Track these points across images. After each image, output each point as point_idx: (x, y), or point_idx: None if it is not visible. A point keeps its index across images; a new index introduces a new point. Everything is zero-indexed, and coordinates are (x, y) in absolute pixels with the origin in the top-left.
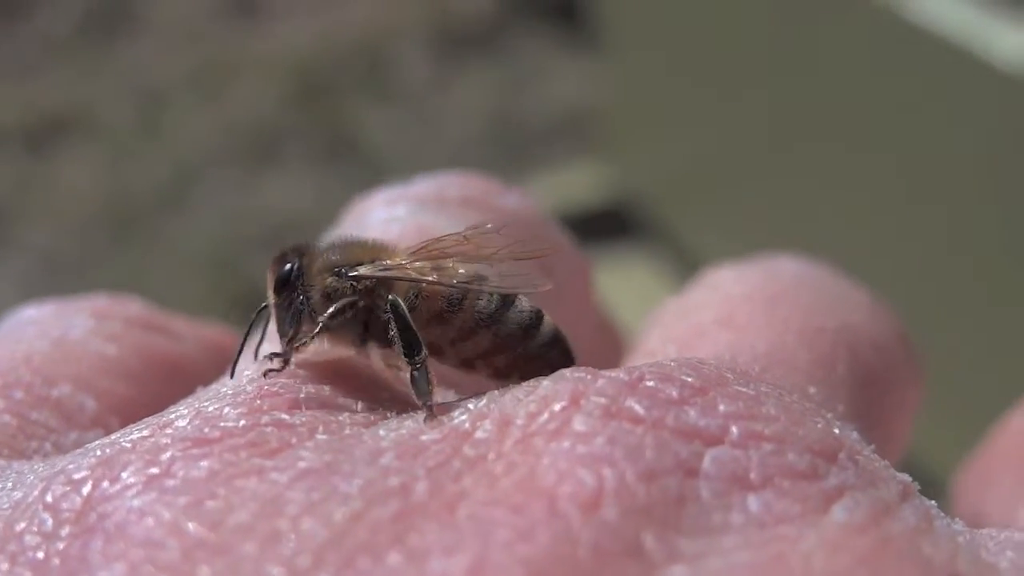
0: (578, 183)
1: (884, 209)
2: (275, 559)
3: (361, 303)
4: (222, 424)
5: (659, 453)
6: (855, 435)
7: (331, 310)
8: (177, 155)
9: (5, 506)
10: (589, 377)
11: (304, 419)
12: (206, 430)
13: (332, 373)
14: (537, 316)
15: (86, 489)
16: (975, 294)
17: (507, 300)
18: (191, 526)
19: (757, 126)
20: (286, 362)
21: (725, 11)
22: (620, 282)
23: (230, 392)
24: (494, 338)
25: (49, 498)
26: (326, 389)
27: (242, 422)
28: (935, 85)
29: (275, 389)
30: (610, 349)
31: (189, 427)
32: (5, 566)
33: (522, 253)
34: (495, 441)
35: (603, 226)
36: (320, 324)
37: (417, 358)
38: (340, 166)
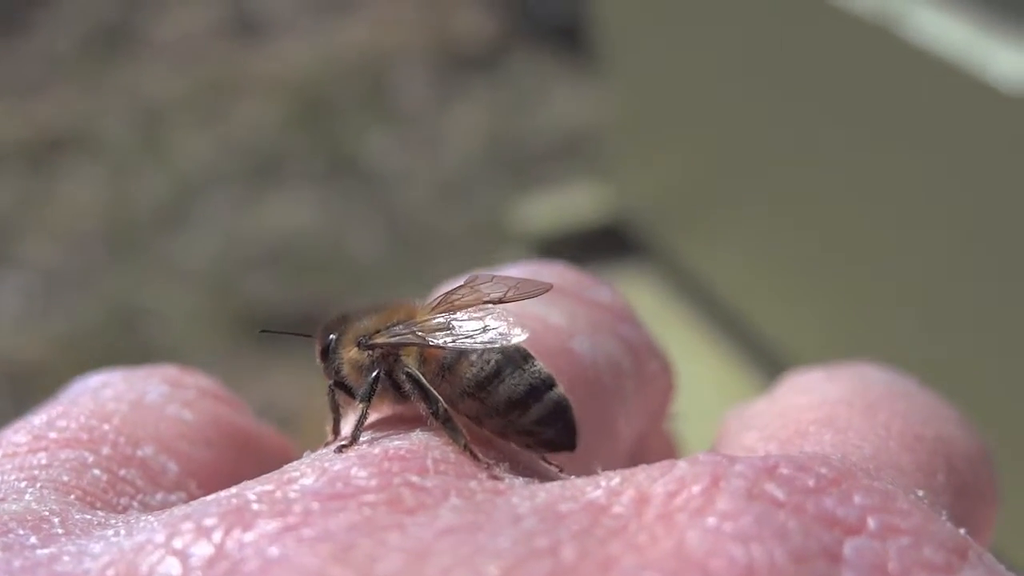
0: (577, 203)
1: (881, 227)
2: None
3: (382, 371)
4: (353, 482)
5: (804, 537)
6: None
7: (363, 391)
8: (178, 173)
9: (126, 548)
10: (726, 460)
11: (435, 483)
12: (338, 485)
13: (447, 440)
14: (532, 390)
15: (217, 536)
16: (973, 313)
17: (501, 369)
18: (338, 572)
19: (755, 146)
20: (354, 440)
21: (723, 33)
22: None
23: (353, 454)
24: (481, 405)
25: (178, 543)
26: (451, 455)
27: (374, 481)
28: (932, 104)
29: (402, 453)
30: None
31: (318, 483)
32: None
33: (522, 294)
34: (634, 516)
35: (602, 245)
36: (362, 410)
37: (437, 410)
38: (341, 186)
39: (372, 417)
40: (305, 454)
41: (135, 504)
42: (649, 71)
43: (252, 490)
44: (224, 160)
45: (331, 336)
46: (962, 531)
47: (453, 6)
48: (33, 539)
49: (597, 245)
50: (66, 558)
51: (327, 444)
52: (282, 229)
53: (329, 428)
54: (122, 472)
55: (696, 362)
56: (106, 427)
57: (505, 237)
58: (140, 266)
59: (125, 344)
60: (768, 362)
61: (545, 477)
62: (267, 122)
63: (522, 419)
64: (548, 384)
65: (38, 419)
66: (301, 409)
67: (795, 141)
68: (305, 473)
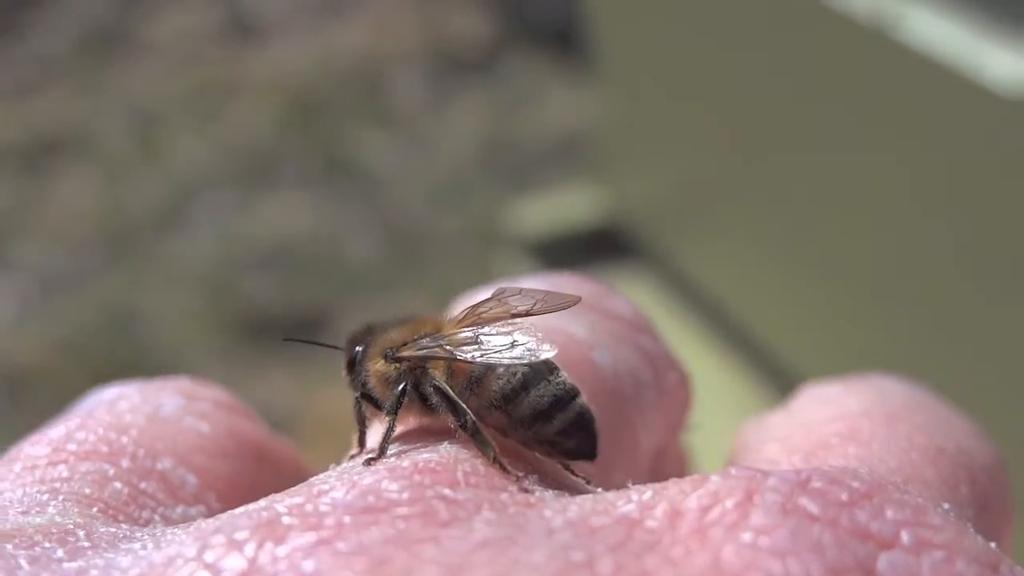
0: (572, 205)
1: (877, 230)
2: None
3: (409, 383)
4: (385, 495)
5: (839, 551)
6: None
7: (390, 404)
8: (174, 175)
9: (156, 562)
10: (759, 475)
11: (468, 496)
12: (370, 499)
13: (475, 452)
14: (556, 401)
15: (250, 549)
16: (971, 316)
17: (528, 382)
18: None
19: (750, 149)
20: (382, 453)
21: (718, 35)
22: None
23: (383, 467)
24: (507, 417)
25: (209, 557)
26: (480, 468)
27: (406, 494)
28: (929, 107)
29: (432, 465)
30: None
31: (349, 496)
32: None
33: (550, 307)
34: (667, 529)
35: (597, 247)
36: (388, 423)
37: (465, 422)
38: (336, 188)
39: (398, 429)
40: (331, 467)
41: (156, 517)
42: (644, 74)
43: (282, 503)
44: (220, 162)
45: (358, 348)
46: (992, 545)
47: (449, 9)
48: (60, 552)
49: (593, 248)
50: (94, 572)
51: (353, 457)
52: (278, 231)
53: (355, 440)
54: (142, 485)
55: (691, 365)
56: (124, 440)
57: (500, 240)
58: (137, 268)
59: (122, 347)
60: (765, 365)
61: (574, 490)
62: (263, 124)
63: (545, 429)
64: (572, 395)
65: (56, 432)
66: (298, 411)
67: (790, 144)
68: (335, 486)
